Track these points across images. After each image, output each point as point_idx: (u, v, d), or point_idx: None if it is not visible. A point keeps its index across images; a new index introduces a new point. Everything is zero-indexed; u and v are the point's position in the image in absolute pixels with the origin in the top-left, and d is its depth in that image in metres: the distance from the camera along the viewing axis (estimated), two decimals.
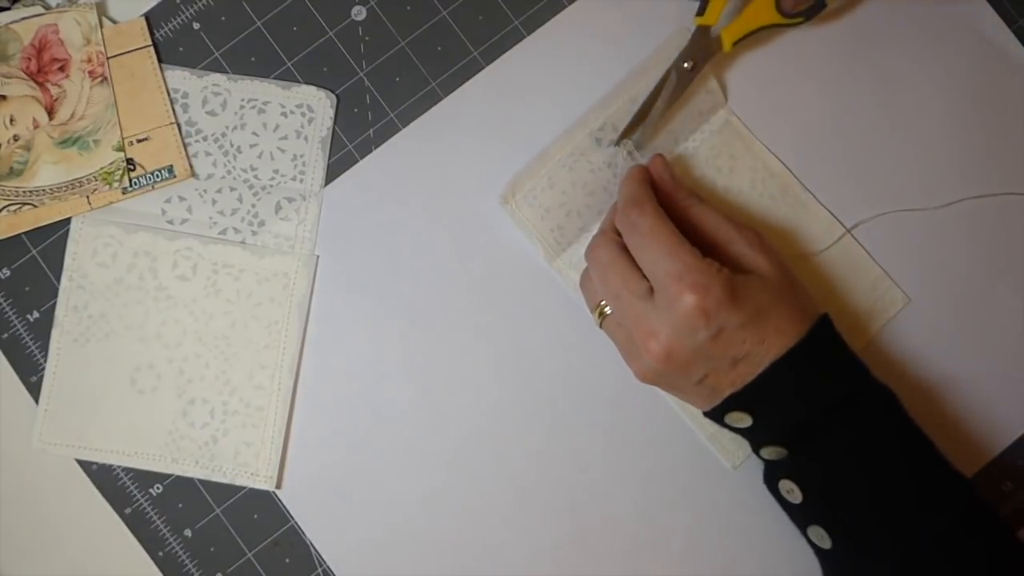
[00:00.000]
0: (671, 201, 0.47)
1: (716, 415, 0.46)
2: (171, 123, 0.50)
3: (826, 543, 0.44)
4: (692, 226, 0.47)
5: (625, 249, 0.45)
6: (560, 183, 0.50)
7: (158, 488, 0.49)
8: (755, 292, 0.43)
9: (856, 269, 0.51)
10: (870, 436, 0.44)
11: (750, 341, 0.43)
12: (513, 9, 0.52)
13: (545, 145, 0.51)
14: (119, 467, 0.49)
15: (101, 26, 0.50)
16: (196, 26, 0.51)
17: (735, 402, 0.44)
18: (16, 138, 0.50)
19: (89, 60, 0.50)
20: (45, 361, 0.49)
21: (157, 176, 0.50)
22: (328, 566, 0.49)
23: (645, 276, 0.44)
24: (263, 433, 0.49)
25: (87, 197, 0.50)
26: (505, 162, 0.51)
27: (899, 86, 0.53)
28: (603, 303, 0.46)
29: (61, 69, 0.50)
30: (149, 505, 0.49)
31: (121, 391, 0.49)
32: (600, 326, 0.48)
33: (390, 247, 0.51)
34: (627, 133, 0.50)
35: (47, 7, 0.50)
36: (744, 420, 0.45)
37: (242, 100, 0.51)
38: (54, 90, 0.50)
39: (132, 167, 0.50)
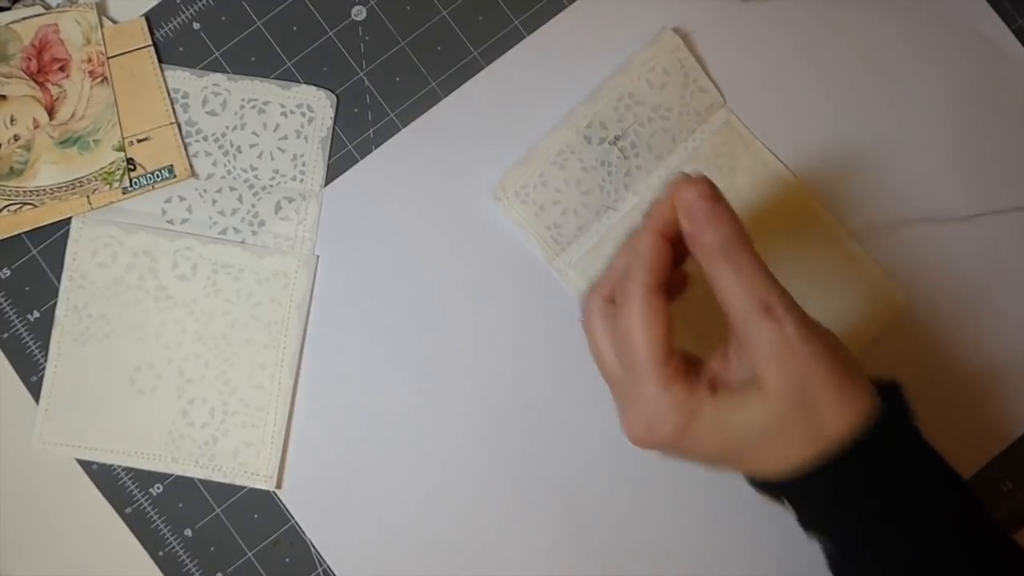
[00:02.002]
0: (695, 247, 0.38)
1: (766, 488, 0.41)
2: (171, 123, 0.50)
3: (830, 549, 0.42)
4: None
5: (611, 315, 0.39)
6: (552, 181, 0.50)
7: (158, 488, 0.49)
8: (731, 425, 0.36)
9: (856, 270, 0.51)
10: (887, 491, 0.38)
11: (726, 466, 0.38)
12: (513, 9, 0.52)
13: (535, 141, 0.51)
14: (119, 467, 0.49)
15: (101, 26, 0.50)
16: (196, 26, 0.51)
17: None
18: (16, 138, 0.50)
19: (89, 60, 0.50)
20: (45, 361, 0.49)
21: (157, 176, 0.50)
22: (328, 566, 0.49)
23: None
24: (263, 433, 0.49)
25: (87, 197, 0.50)
26: (505, 162, 0.51)
27: (899, 86, 0.53)
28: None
29: (61, 69, 0.50)
30: (149, 505, 0.49)
31: (121, 391, 0.49)
32: None
33: (390, 247, 0.51)
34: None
35: (47, 7, 0.50)
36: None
37: (242, 100, 0.51)
38: (54, 90, 0.50)
39: (132, 167, 0.50)
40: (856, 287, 0.51)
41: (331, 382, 0.50)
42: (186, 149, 0.50)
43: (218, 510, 0.49)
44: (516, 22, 0.52)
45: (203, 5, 0.51)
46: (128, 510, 0.49)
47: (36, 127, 0.50)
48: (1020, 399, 0.51)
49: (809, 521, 0.39)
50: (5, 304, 0.50)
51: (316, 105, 0.51)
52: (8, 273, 0.50)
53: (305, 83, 0.51)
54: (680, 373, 0.37)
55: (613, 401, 0.40)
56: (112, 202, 0.50)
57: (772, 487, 0.39)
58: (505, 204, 0.50)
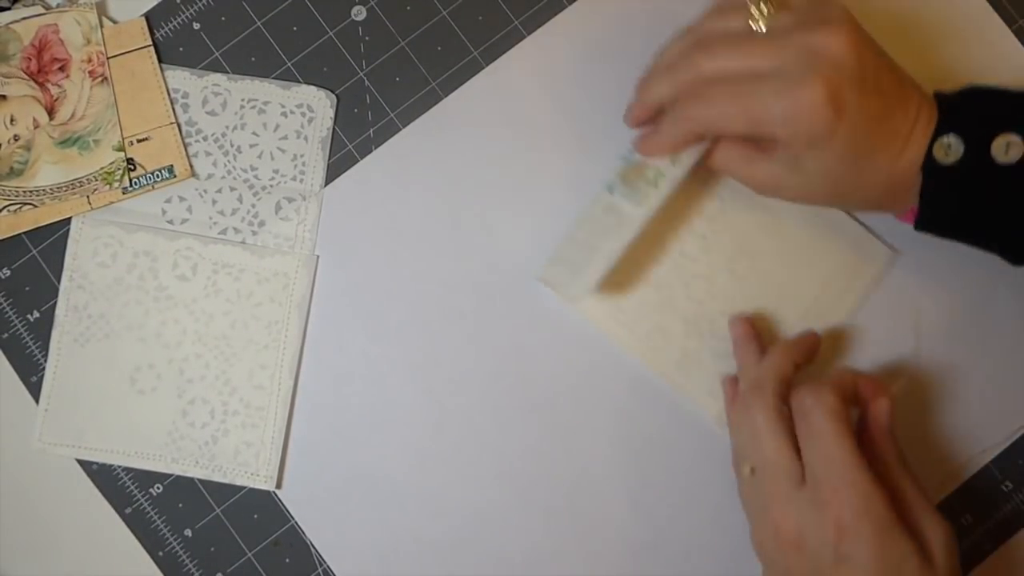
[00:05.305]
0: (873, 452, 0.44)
1: None
2: (171, 123, 0.50)
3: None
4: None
5: (786, 418, 0.44)
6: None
7: (158, 488, 0.49)
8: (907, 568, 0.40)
9: (838, 230, 0.51)
10: None
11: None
12: (513, 9, 0.52)
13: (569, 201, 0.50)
14: (119, 467, 0.49)
15: (101, 26, 0.50)
16: (196, 26, 0.51)
17: None
18: (16, 138, 0.50)
19: (89, 60, 0.50)
20: (45, 361, 0.49)
21: (157, 176, 0.50)
22: (328, 566, 0.49)
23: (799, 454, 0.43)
24: (263, 433, 0.49)
25: (87, 197, 0.50)
26: (505, 162, 0.51)
27: None
28: (750, 462, 0.44)
29: (61, 69, 0.50)
30: (149, 505, 0.49)
31: (121, 391, 0.49)
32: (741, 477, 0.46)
33: (390, 247, 0.51)
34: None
35: (47, 7, 0.50)
36: None
37: (242, 100, 0.51)
38: (54, 90, 0.50)
39: (132, 167, 0.50)
40: (840, 245, 0.51)
41: (331, 382, 0.50)
42: (186, 149, 0.50)
43: (218, 510, 0.49)
44: (516, 22, 0.52)
45: (203, 5, 0.51)
46: (128, 510, 0.49)
47: (36, 127, 0.50)
48: (1020, 399, 0.51)
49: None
50: (5, 304, 0.50)
51: (316, 105, 0.51)
52: (8, 273, 0.50)
53: (305, 83, 0.51)
54: None
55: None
56: (112, 202, 0.50)
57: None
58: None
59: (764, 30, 0.43)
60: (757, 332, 0.49)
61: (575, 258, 0.48)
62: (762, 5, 0.43)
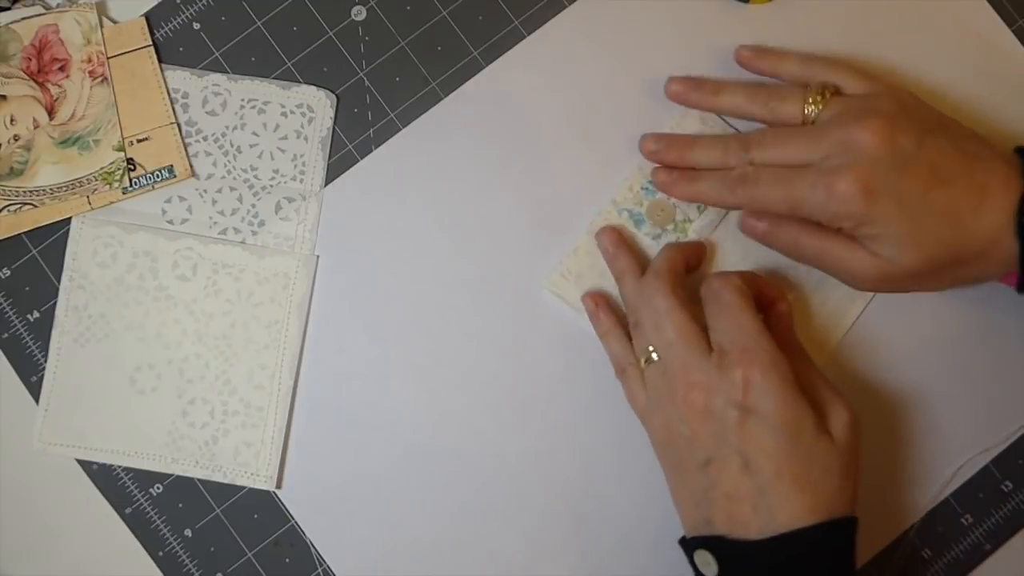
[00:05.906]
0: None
1: (690, 545, 0.44)
2: (171, 123, 0.50)
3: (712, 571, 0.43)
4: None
5: (684, 301, 0.45)
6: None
7: (158, 488, 0.49)
8: (807, 436, 0.42)
9: None
10: None
11: (766, 465, 0.42)
12: (513, 9, 0.52)
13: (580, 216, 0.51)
14: (119, 467, 0.49)
15: (101, 26, 0.50)
16: (196, 26, 0.51)
17: (713, 545, 0.43)
18: (16, 138, 0.50)
19: (89, 60, 0.50)
20: (45, 361, 0.49)
21: (157, 176, 0.50)
22: (328, 566, 0.49)
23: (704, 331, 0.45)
24: (263, 433, 0.49)
25: (87, 197, 0.50)
26: (505, 162, 0.51)
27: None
28: (651, 349, 0.46)
29: (61, 69, 0.50)
30: (149, 505, 0.49)
31: (121, 391, 0.49)
32: (620, 374, 0.47)
33: (390, 247, 0.51)
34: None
35: (47, 7, 0.50)
36: (710, 567, 0.43)
37: (242, 100, 0.51)
38: (54, 90, 0.50)
39: (132, 167, 0.50)
40: None
41: (331, 382, 0.50)
42: (186, 149, 0.50)
43: (218, 510, 0.49)
44: (516, 22, 0.52)
45: (203, 5, 0.51)
46: (128, 510, 0.49)
47: (36, 127, 0.50)
48: (1019, 399, 0.51)
49: None
50: (5, 304, 0.50)
51: (316, 105, 0.51)
52: (8, 273, 0.50)
53: (305, 83, 0.51)
54: None
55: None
56: (112, 202, 0.50)
57: None
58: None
59: (814, 114, 0.46)
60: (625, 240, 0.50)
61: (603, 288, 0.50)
62: (815, 95, 0.47)
